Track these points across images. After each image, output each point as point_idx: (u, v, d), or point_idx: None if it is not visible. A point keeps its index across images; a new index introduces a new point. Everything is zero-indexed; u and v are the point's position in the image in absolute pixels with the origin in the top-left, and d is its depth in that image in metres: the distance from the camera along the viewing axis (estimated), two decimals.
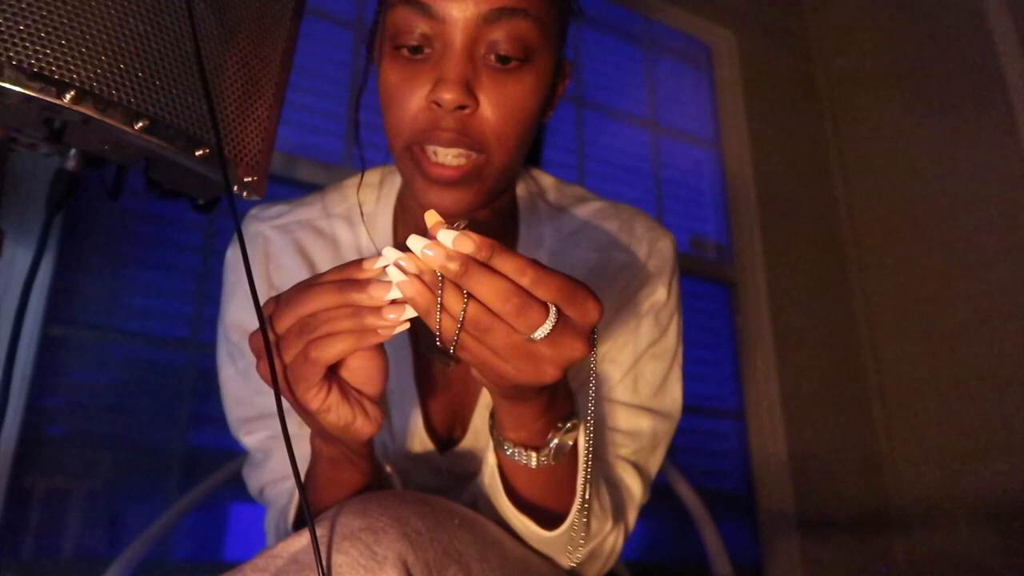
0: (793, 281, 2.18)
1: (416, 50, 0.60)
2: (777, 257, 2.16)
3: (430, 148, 0.60)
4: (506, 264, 0.41)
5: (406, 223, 0.75)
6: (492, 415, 0.58)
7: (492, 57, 0.59)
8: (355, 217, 0.75)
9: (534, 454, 0.56)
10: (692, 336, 2.11)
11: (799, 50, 2.52)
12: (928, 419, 2.04)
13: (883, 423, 2.15)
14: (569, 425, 0.56)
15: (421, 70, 0.60)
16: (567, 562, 0.64)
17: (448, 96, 0.57)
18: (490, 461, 0.60)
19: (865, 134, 2.35)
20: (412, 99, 0.60)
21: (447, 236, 0.41)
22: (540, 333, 0.42)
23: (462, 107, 0.59)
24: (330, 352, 0.43)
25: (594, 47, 2.16)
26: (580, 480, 0.57)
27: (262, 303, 0.72)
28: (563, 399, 0.55)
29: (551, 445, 0.55)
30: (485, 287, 0.40)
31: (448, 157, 0.60)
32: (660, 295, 0.74)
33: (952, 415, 1.97)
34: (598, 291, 0.72)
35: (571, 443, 0.56)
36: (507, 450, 0.56)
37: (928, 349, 2.06)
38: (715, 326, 2.07)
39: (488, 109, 0.60)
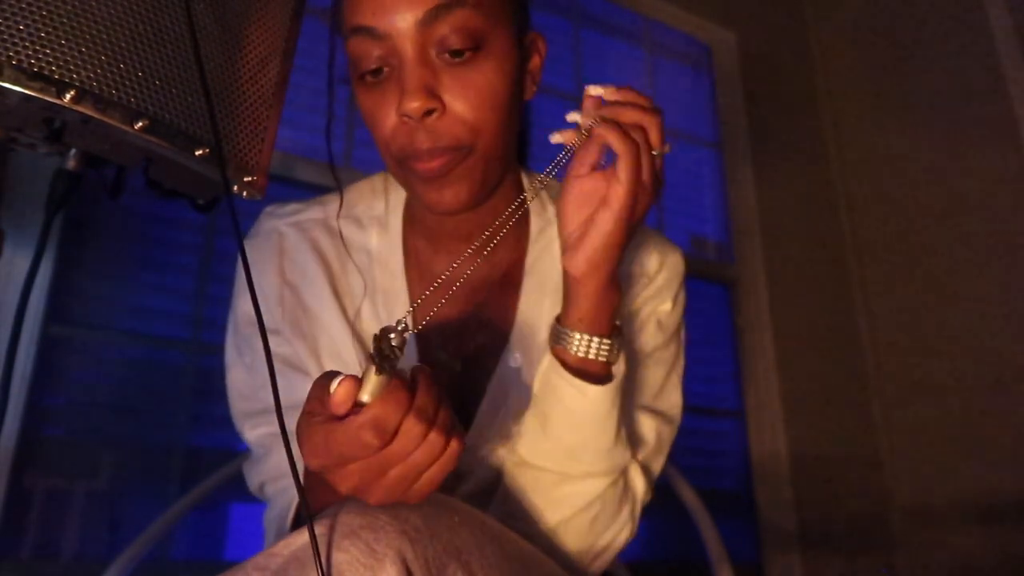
0: (793, 281, 2.18)
1: (377, 72, 0.63)
2: (777, 257, 2.16)
3: (416, 163, 0.63)
4: (627, 93, 0.58)
5: (415, 228, 0.77)
6: (557, 323, 0.62)
7: (446, 55, 0.61)
8: (365, 220, 0.78)
9: (608, 342, 0.60)
10: (692, 336, 2.10)
11: (799, 50, 2.52)
12: (928, 419, 2.04)
13: (883, 423, 2.15)
14: (619, 323, 0.63)
15: (387, 90, 0.62)
16: (606, 440, 0.64)
17: (412, 105, 0.59)
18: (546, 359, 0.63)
19: (865, 134, 2.35)
20: (386, 119, 0.63)
21: (595, 90, 0.58)
22: (662, 151, 0.57)
23: (430, 111, 0.60)
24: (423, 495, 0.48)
25: (594, 47, 2.16)
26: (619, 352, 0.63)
27: (275, 298, 0.73)
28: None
29: (619, 337, 0.62)
30: (630, 112, 0.56)
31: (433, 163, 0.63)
32: (666, 306, 0.76)
33: (952, 415, 1.97)
34: None
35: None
36: (579, 341, 0.60)
37: (928, 349, 2.06)
38: (715, 326, 2.07)
39: (457, 106, 0.61)
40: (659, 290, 0.76)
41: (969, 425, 1.92)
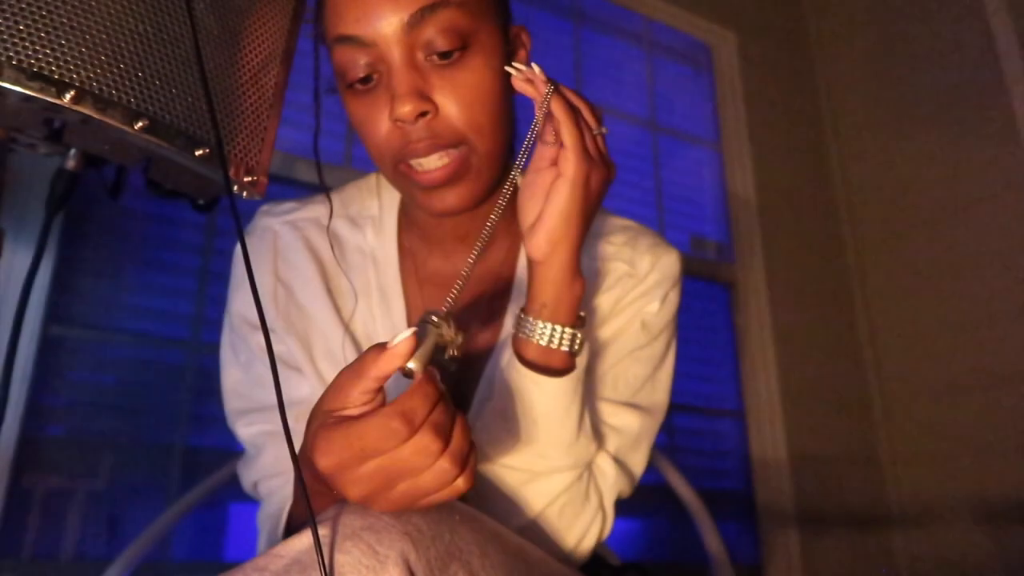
0: (793, 281, 2.18)
1: (366, 80, 0.63)
2: (777, 257, 2.16)
3: (414, 161, 0.63)
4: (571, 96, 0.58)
5: (410, 228, 0.78)
6: (521, 313, 0.61)
7: (434, 57, 0.61)
8: (360, 220, 0.78)
9: (571, 331, 0.60)
10: (692, 336, 2.12)
11: (799, 50, 2.52)
12: (928, 419, 2.04)
13: (883, 423, 2.15)
14: (583, 314, 0.62)
15: (377, 96, 0.63)
16: (568, 434, 0.64)
17: (405, 109, 0.59)
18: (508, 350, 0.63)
19: (865, 134, 2.35)
20: (379, 126, 0.63)
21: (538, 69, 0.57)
22: (600, 131, 0.58)
23: (423, 114, 0.60)
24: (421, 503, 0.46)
25: (594, 47, 2.16)
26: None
27: (269, 296, 0.74)
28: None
29: (583, 328, 0.61)
30: (566, 90, 0.58)
31: (432, 162, 0.63)
32: (653, 307, 0.75)
33: (952, 415, 1.97)
34: (595, 296, 0.74)
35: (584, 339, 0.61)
36: (542, 330, 0.59)
37: (928, 349, 2.06)
38: (715, 326, 2.07)
39: (449, 107, 0.61)
40: (647, 290, 0.76)
41: (968, 425, 1.92)
